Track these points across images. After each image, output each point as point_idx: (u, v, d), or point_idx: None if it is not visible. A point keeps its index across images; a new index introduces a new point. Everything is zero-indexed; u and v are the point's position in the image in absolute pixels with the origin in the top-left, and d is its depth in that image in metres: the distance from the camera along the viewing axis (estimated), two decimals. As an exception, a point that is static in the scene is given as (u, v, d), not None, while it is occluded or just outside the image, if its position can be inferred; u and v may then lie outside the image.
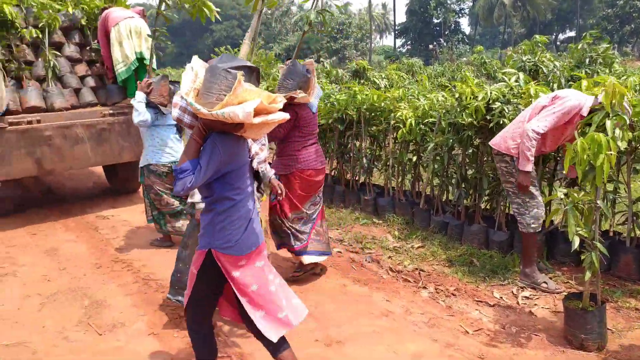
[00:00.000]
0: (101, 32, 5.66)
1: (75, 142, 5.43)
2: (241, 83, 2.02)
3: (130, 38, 5.54)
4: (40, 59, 5.68)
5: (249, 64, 2.18)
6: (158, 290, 3.89)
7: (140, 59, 5.69)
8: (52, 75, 5.64)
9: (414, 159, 5.36)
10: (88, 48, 6.13)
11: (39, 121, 5.18)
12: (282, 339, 2.32)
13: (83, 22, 6.04)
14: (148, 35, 5.23)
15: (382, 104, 5.45)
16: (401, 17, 58.15)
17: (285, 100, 2.36)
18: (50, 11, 5.61)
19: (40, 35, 5.59)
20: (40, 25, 5.59)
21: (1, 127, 4.95)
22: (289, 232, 3.79)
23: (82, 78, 5.96)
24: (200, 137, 2.15)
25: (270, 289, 2.33)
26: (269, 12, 61.05)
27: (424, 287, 3.86)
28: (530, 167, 3.45)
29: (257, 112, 2.04)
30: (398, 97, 5.37)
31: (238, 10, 55.80)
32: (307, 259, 3.86)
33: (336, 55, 51.39)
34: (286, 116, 2.18)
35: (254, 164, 2.49)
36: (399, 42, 54.52)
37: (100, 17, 5.71)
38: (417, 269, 4.18)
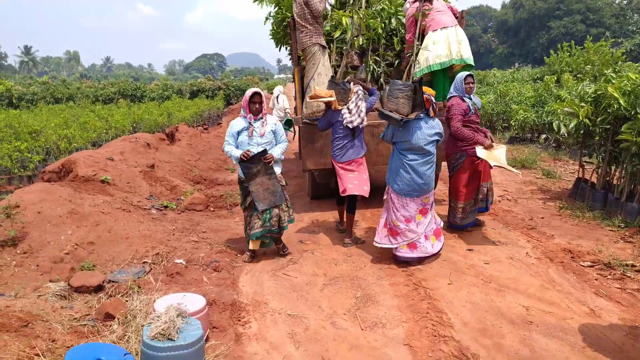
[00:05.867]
0: (410, 21, 5.83)
1: (379, 141, 5.80)
2: (314, 89, 4.93)
3: (437, 44, 5.58)
4: (363, 64, 6.32)
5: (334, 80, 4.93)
6: (424, 300, 3.78)
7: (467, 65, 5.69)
8: (371, 78, 6.22)
9: None
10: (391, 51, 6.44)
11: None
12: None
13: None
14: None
15: None
16: None
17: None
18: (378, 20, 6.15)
19: (365, 44, 6.21)
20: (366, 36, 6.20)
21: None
22: None
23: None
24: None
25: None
26: (625, 0, 51.62)
27: None
28: None
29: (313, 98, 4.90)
30: None
31: (584, 3, 49.52)
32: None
33: None
34: (328, 100, 4.83)
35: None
36: None
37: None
38: None
